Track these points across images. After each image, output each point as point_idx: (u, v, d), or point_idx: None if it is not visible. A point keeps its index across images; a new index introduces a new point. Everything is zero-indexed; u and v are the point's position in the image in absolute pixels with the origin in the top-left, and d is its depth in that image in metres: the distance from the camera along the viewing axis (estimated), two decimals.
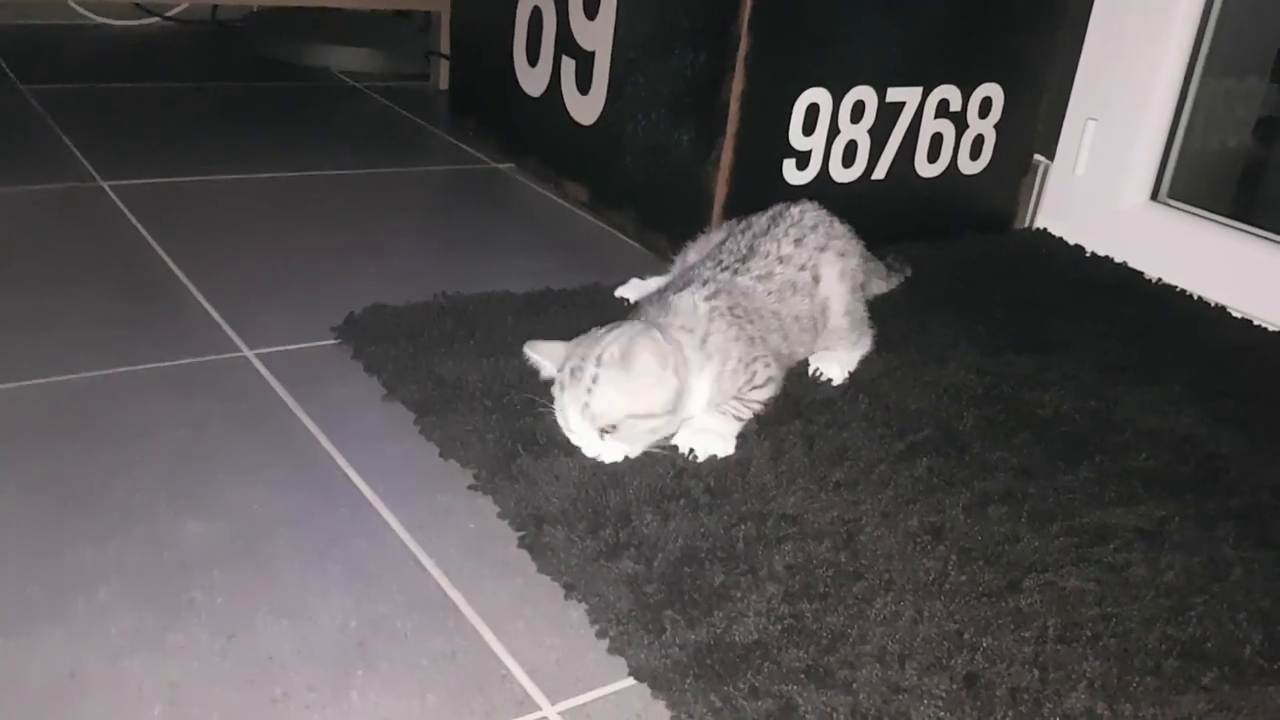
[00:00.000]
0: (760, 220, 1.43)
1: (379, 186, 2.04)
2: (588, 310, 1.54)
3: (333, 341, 1.43)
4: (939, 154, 1.94)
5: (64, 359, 1.31)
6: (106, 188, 1.83)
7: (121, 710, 0.84)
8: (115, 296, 1.48)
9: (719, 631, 0.96)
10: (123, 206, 1.77)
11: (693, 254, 1.52)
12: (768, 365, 1.28)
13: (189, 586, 0.98)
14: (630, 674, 0.94)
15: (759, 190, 1.77)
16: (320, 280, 1.61)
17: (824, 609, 1.00)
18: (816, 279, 1.39)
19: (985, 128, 1.97)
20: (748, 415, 1.27)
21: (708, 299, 1.27)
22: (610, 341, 1.16)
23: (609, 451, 1.17)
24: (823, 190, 1.82)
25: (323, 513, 1.11)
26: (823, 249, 1.40)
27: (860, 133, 1.83)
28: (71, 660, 0.88)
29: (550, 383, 1.22)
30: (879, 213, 1.91)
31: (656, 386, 1.16)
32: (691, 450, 1.21)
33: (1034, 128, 2.07)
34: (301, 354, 1.40)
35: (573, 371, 1.16)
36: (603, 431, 1.16)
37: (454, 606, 1.00)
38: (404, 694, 0.90)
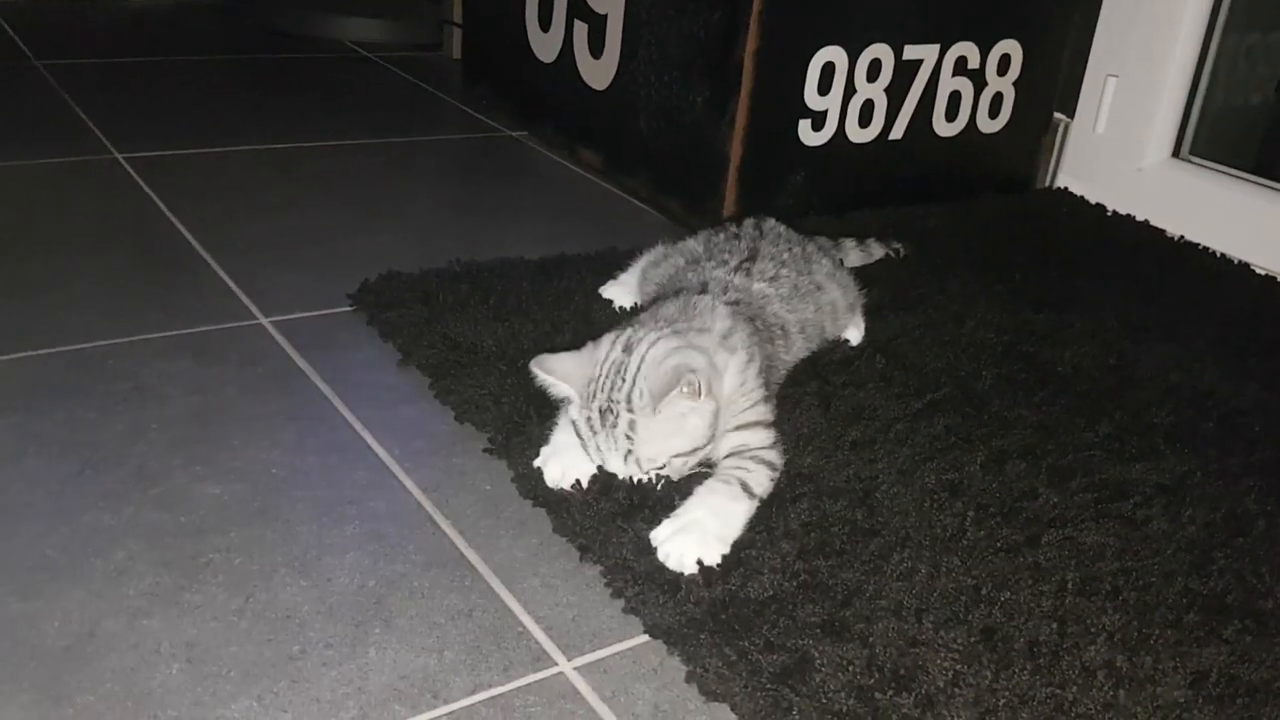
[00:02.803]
0: (745, 227, 1.37)
1: (393, 156, 2.03)
2: (602, 275, 1.54)
3: (348, 308, 1.43)
4: (957, 112, 1.91)
5: (81, 327, 1.32)
6: (121, 160, 1.83)
7: (140, 668, 0.85)
8: (131, 266, 1.49)
9: (734, 588, 0.95)
10: (138, 178, 1.77)
11: (653, 271, 1.40)
12: (767, 401, 1.16)
13: (206, 548, 0.99)
14: (645, 630, 0.93)
15: (774, 152, 1.75)
16: (334, 248, 1.61)
17: (840, 565, 0.99)
18: (819, 287, 1.34)
19: (1004, 85, 1.95)
20: (762, 485, 1.06)
21: (729, 304, 1.19)
22: (640, 378, 1.04)
23: (648, 476, 1.08)
24: (839, 151, 1.80)
25: (339, 475, 1.11)
26: (809, 256, 1.36)
27: (877, 91, 1.80)
28: (90, 620, 0.89)
29: (562, 401, 1.12)
30: (897, 173, 1.90)
31: (695, 416, 1.05)
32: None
33: (1053, 85, 2.04)
34: (316, 321, 1.40)
35: (602, 413, 1.05)
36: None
37: (470, 565, 1.01)
38: (421, 650, 0.90)
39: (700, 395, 1.03)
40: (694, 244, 1.37)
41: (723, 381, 1.10)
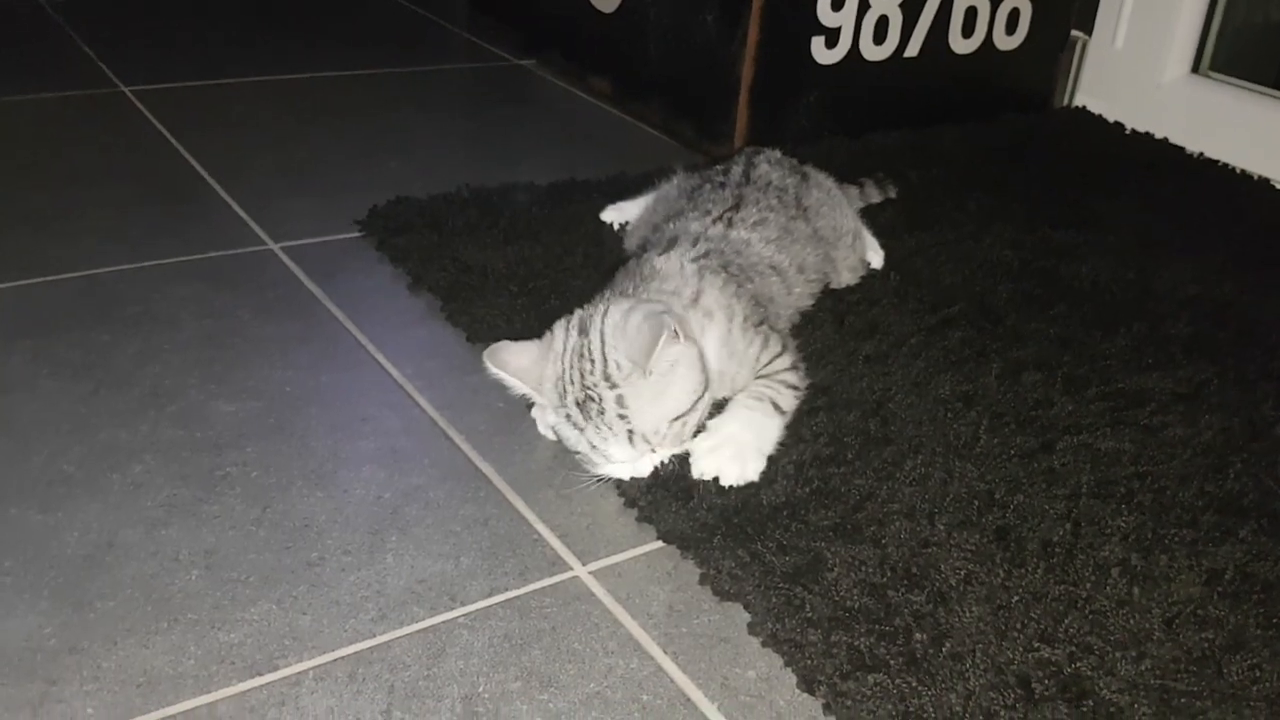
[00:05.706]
0: (735, 168, 1.31)
1: (400, 86, 2.01)
2: (613, 199, 1.52)
3: (357, 234, 1.43)
4: (974, 28, 1.88)
5: (93, 254, 1.32)
6: (128, 93, 1.82)
7: (160, 575, 0.86)
8: (142, 195, 1.49)
9: (747, 495, 0.96)
10: (145, 111, 1.76)
11: (650, 216, 1.35)
12: (773, 327, 1.10)
13: (223, 462, 0.99)
14: (659, 537, 0.94)
15: (787, 72, 1.72)
16: (343, 177, 1.60)
17: (852, 472, 0.99)
18: (807, 215, 1.27)
19: (1021, 0, 1.90)
20: (788, 403, 1.05)
21: (696, 259, 1.10)
22: (609, 349, 0.96)
23: (660, 459, 0.99)
24: (854, 70, 1.77)
25: (352, 393, 1.11)
26: (805, 179, 1.32)
27: (892, 6, 1.77)
28: (109, 531, 0.90)
29: (523, 396, 1.04)
30: (913, 93, 1.87)
31: (682, 365, 0.97)
32: (713, 478, 0.97)
33: (1071, 0, 2.00)
34: (326, 246, 1.40)
35: (581, 404, 0.96)
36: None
37: (485, 477, 1.01)
38: (438, 556, 0.91)
39: (681, 338, 0.96)
40: (678, 195, 1.30)
41: (706, 347, 1.02)
